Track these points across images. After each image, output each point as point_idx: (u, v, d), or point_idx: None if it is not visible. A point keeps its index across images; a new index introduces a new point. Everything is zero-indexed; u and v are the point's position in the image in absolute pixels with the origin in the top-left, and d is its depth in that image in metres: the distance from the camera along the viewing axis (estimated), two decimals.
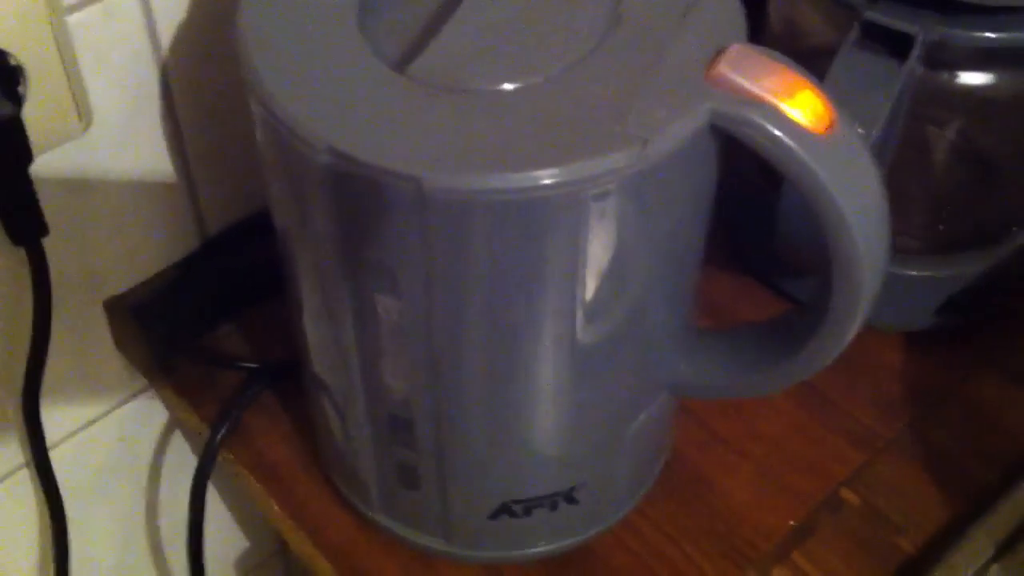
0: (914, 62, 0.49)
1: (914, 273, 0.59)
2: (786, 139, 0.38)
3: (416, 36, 0.41)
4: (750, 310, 0.61)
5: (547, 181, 0.36)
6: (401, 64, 0.39)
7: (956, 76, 0.53)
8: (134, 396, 0.64)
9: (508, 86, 0.39)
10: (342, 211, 0.39)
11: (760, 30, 0.59)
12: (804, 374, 0.46)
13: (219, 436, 0.58)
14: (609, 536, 0.54)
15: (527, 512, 0.50)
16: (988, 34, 0.50)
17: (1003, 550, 0.54)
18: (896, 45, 0.50)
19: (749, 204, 0.56)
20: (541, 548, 0.53)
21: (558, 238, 0.39)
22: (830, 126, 0.39)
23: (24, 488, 0.62)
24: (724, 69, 0.39)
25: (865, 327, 0.44)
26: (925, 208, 0.58)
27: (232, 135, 0.57)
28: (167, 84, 0.53)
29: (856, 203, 0.39)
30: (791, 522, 0.55)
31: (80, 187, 0.53)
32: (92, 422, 0.63)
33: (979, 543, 0.54)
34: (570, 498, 0.50)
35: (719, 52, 0.39)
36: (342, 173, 0.38)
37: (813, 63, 0.49)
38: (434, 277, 0.40)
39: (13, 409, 0.58)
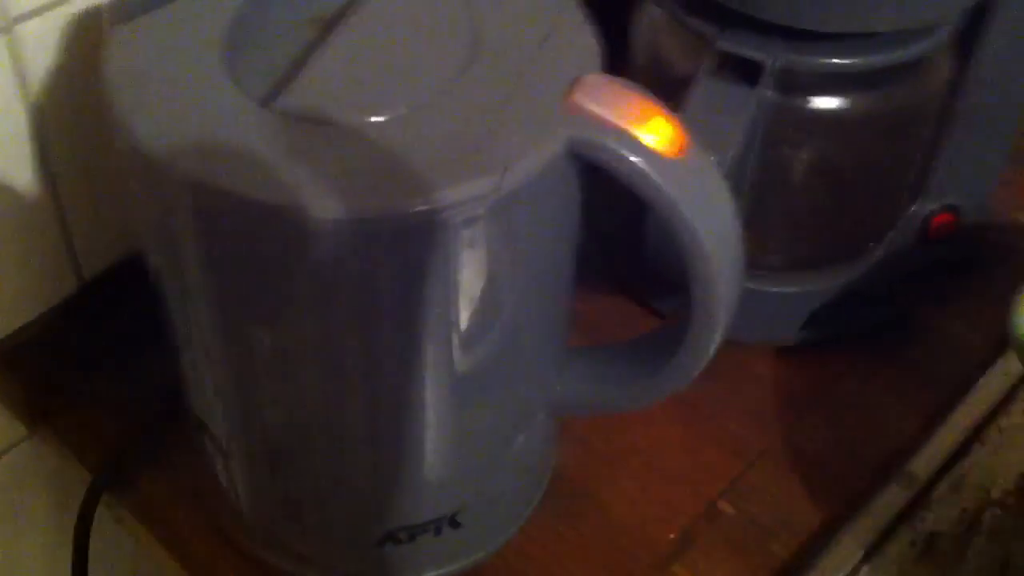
0: (765, 88, 0.52)
1: (777, 289, 0.61)
2: (639, 163, 0.40)
3: (282, 72, 0.42)
4: (624, 328, 0.63)
5: (412, 210, 0.38)
6: (267, 99, 0.40)
7: (807, 100, 0.55)
8: (14, 445, 0.63)
9: (373, 118, 0.40)
10: (210, 244, 0.40)
11: (623, 60, 0.61)
12: (672, 387, 0.48)
13: (102, 483, 0.57)
14: (497, 559, 0.55)
15: (411, 539, 0.50)
16: (834, 60, 0.53)
17: (872, 552, 0.57)
18: (748, 72, 0.52)
19: (620, 224, 0.57)
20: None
21: (426, 266, 0.40)
22: (682, 150, 0.41)
23: None
24: (580, 97, 0.40)
25: (734, 341, 0.46)
26: (785, 226, 0.61)
27: (106, 177, 0.57)
28: (38, 126, 0.53)
29: (708, 222, 0.41)
30: (671, 534, 0.56)
31: None
32: None
33: (849, 546, 0.57)
34: (454, 522, 0.51)
35: (575, 81, 0.41)
36: (208, 206, 0.38)
37: (675, 92, 0.51)
38: (305, 307, 0.41)
39: None
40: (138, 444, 0.59)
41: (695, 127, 0.42)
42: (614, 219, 0.57)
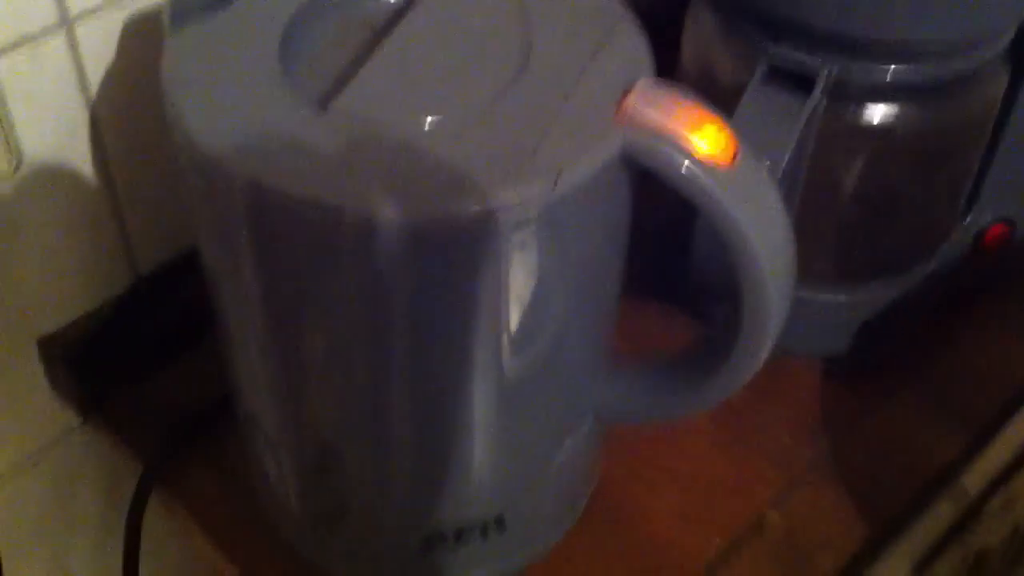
0: (818, 98, 0.52)
1: (828, 298, 0.61)
2: (692, 170, 0.40)
3: (337, 75, 0.42)
4: (669, 335, 0.63)
5: (463, 213, 0.38)
6: (323, 102, 0.41)
7: (859, 111, 0.55)
8: (69, 434, 0.64)
9: (426, 121, 0.40)
10: (266, 245, 0.41)
11: (674, 70, 0.61)
12: (721, 396, 0.47)
13: (153, 476, 0.58)
14: (541, 565, 0.55)
15: (457, 541, 0.50)
16: (888, 69, 0.53)
17: (921, 568, 0.56)
18: (800, 82, 0.52)
19: (667, 232, 0.57)
20: None
21: (478, 269, 0.40)
22: (734, 157, 0.41)
23: None
24: (633, 103, 0.40)
25: (783, 352, 0.45)
26: (836, 236, 0.60)
27: (162, 174, 0.58)
28: (97, 125, 0.54)
29: (760, 230, 0.41)
30: (716, 546, 0.56)
31: (10, 227, 0.54)
32: (27, 459, 0.63)
33: (898, 562, 0.56)
34: (500, 524, 0.51)
35: (629, 87, 0.41)
36: (264, 206, 0.39)
37: (725, 101, 0.51)
38: (358, 309, 0.41)
39: None
40: (190, 436, 0.59)
41: (746, 136, 0.42)
42: (660, 225, 0.57)
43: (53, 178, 0.54)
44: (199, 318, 0.50)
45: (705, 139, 0.40)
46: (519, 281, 0.41)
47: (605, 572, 0.55)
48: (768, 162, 0.50)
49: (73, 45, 0.51)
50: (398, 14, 0.45)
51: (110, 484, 0.69)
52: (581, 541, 0.56)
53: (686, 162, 0.40)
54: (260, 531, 0.56)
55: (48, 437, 0.63)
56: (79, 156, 0.54)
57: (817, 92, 0.51)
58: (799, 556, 0.56)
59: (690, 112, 0.41)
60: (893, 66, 0.53)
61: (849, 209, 0.59)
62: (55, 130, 0.53)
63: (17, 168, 0.51)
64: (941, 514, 0.58)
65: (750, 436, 0.61)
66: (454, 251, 0.40)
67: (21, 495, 0.64)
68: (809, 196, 0.56)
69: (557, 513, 0.55)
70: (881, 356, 0.63)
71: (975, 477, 0.59)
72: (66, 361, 0.59)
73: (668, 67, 0.46)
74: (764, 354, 0.45)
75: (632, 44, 0.44)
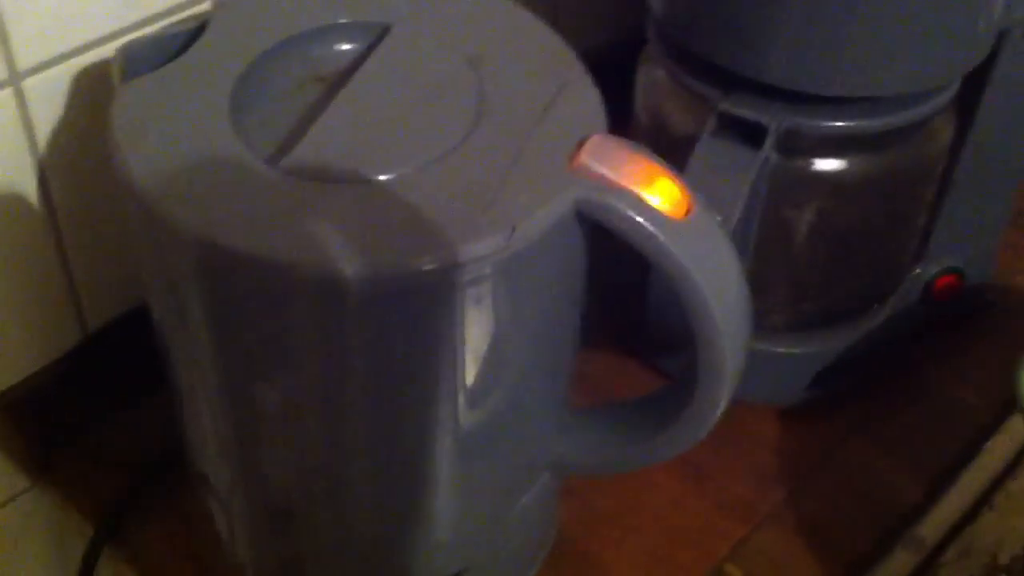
0: (768, 150, 0.52)
1: (781, 350, 0.61)
2: (646, 224, 0.40)
3: (288, 130, 0.42)
4: (629, 387, 0.63)
5: (419, 268, 0.38)
6: (274, 157, 0.41)
7: (809, 162, 0.56)
8: (16, 496, 0.63)
9: (379, 178, 0.40)
10: (215, 301, 0.40)
11: (627, 122, 0.61)
12: (677, 449, 0.47)
13: (103, 535, 0.57)
14: None
15: None
16: (836, 123, 0.54)
17: None
18: (750, 134, 0.53)
19: (624, 284, 0.58)
20: None
21: (434, 323, 0.40)
22: (687, 211, 0.41)
23: None
24: (585, 158, 0.41)
25: (737, 401, 0.46)
26: (789, 287, 0.61)
27: (111, 228, 0.57)
28: (44, 179, 0.53)
29: (715, 284, 0.41)
30: None
31: None
32: None
33: None
34: None
35: (580, 142, 0.41)
36: (215, 264, 0.38)
37: (677, 152, 0.51)
38: (312, 365, 0.41)
39: None
40: (139, 497, 0.58)
41: (698, 188, 0.42)
42: (615, 277, 0.57)
43: (0, 239, 0.53)
44: (149, 374, 0.49)
45: (658, 193, 0.41)
46: (475, 334, 0.41)
47: None
48: (720, 215, 0.50)
49: (21, 101, 0.50)
50: (351, 65, 0.45)
51: (58, 545, 0.67)
52: None
53: (639, 217, 0.40)
54: None
55: None
56: (26, 211, 0.54)
57: (767, 145, 0.52)
58: None
59: (643, 166, 0.41)
60: (842, 121, 0.53)
61: (801, 259, 0.59)
62: (2, 189, 0.52)
63: None
64: (899, 564, 0.58)
65: (707, 484, 0.60)
66: (410, 306, 0.39)
67: None
68: (761, 247, 0.57)
69: (517, 568, 0.54)
70: (836, 403, 0.64)
71: (932, 526, 0.59)
72: (13, 421, 0.58)
73: (620, 117, 0.46)
74: (720, 408, 0.45)
75: (585, 98, 0.44)
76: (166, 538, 0.57)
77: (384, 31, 0.46)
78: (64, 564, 0.68)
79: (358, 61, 0.45)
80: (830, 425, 0.63)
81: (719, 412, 0.45)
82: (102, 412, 0.61)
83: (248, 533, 0.50)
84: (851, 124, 0.54)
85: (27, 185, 0.53)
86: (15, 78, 0.50)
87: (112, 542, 0.57)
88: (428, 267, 0.38)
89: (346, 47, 0.45)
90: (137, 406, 0.62)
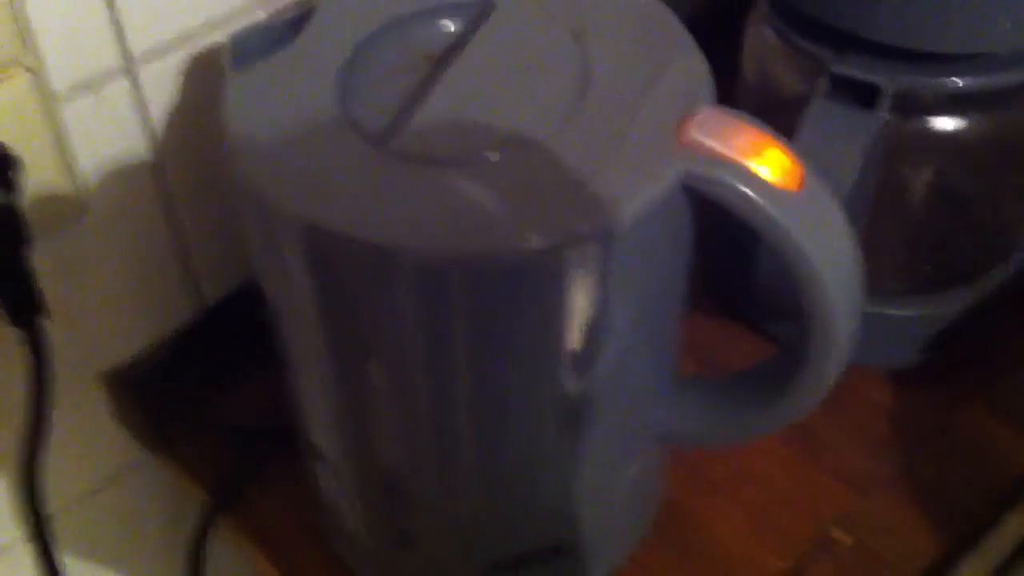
0: (883, 112, 0.51)
1: (897, 313, 0.60)
2: (756, 197, 0.39)
3: (395, 112, 0.42)
4: (736, 354, 0.62)
5: (525, 249, 0.38)
6: (382, 140, 0.41)
7: (926, 121, 0.54)
8: (134, 468, 0.65)
9: (486, 157, 0.40)
10: (326, 286, 0.41)
11: (733, 83, 0.60)
12: (787, 419, 0.47)
13: (217, 505, 0.58)
14: None
15: (518, 567, 0.50)
16: (953, 80, 0.52)
17: None
18: (864, 96, 0.51)
19: (730, 250, 0.57)
20: None
21: (542, 303, 0.40)
22: (799, 182, 0.40)
23: (23, 562, 0.62)
24: (694, 131, 0.40)
25: (850, 365, 0.45)
26: (906, 249, 0.59)
27: (225, 209, 0.58)
28: (161, 165, 0.54)
29: (827, 258, 0.41)
30: (784, 564, 0.55)
31: (75, 269, 0.54)
32: (92, 494, 0.63)
33: None
34: (562, 551, 0.51)
35: (688, 115, 0.41)
36: (324, 250, 0.39)
37: (786, 116, 0.50)
38: (420, 345, 0.41)
39: (10, 483, 0.58)
40: (253, 468, 0.60)
41: (810, 154, 0.41)
42: (723, 241, 0.57)
43: (118, 220, 0.54)
44: (263, 348, 0.50)
45: (769, 165, 0.40)
46: (582, 311, 0.41)
47: None
48: (834, 183, 0.49)
49: (136, 87, 0.51)
50: (456, 45, 0.45)
51: (174, 518, 0.69)
52: (644, 564, 0.55)
53: (750, 191, 0.39)
54: (328, 561, 0.56)
55: (112, 470, 0.64)
56: (144, 197, 0.55)
57: (882, 106, 0.50)
58: (870, 573, 0.55)
59: (753, 138, 0.40)
60: (958, 78, 0.52)
61: (916, 222, 0.58)
62: (120, 173, 0.53)
63: (82, 214, 0.51)
64: (1014, 531, 0.57)
65: (816, 452, 0.60)
66: (517, 286, 0.39)
67: (86, 528, 0.64)
68: (875, 211, 0.55)
69: (620, 537, 0.54)
70: (951, 368, 0.62)
71: None
72: (130, 395, 0.60)
73: (724, 81, 0.45)
74: (831, 379, 0.44)
75: (692, 68, 0.43)
76: (280, 509, 0.59)
77: (488, 8, 0.45)
78: (181, 536, 0.69)
79: (463, 40, 0.45)
80: (945, 390, 0.62)
81: (830, 383, 0.44)
82: (218, 385, 0.62)
83: (359, 503, 0.51)
84: (967, 82, 0.52)
85: (143, 172, 0.54)
86: (130, 64, 0.51)
87: (226, 513, 0.59)
88: (537, 248, 0.38)
89: (451, 27, 0.45)
90: (252, 378, 0.63)
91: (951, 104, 0.54)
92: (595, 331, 0.42)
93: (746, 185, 0.39)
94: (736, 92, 0.61)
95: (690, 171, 0.40)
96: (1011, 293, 0.62)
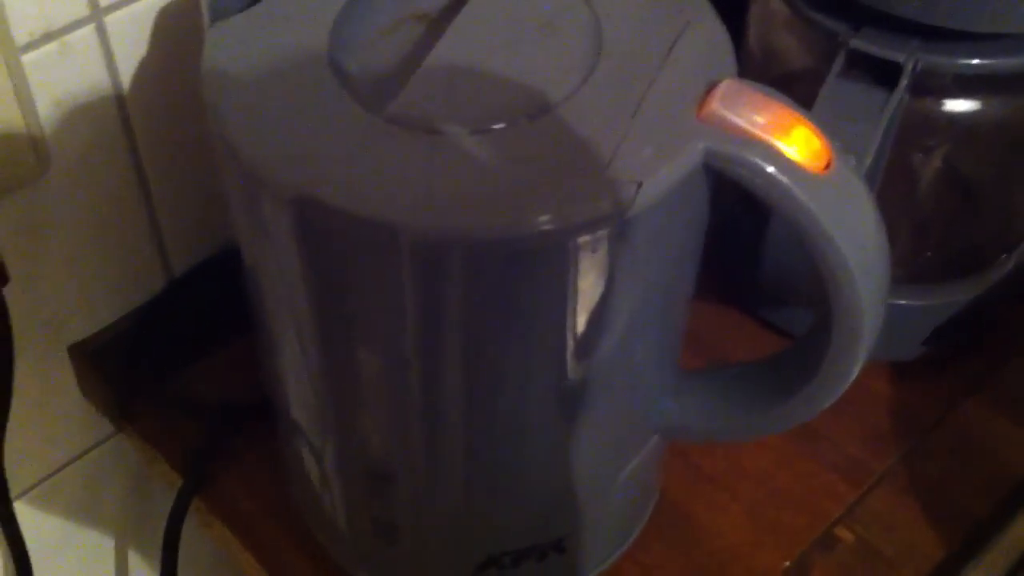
0: (902, 91, 0.48)
1: (902, 302, 0.58)
2: (783, 179, 0.36)
3: (391, 74, 0.39)
4: (736, 342, 0.60)
5: (533, 229, 0.35)
6: (379, 105, 0.37)
7: (941, 103, 0.52)
8: (100, 443, 0.63)
9: (490, 127, 0.37)
10: (315, 260, 0.38)
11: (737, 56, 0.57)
12: (800, 418, 0.44)
13: (193, 488, 0.56)
14: None
15: (514, 564, 0.48)
16: (974, 60, 0.49)
17: None
18: (883, 73, 0.49)
19: (733, 235, 0.54)
20: None
21: (544, 285, 0.37)
22: (827, 164, 0.38)
23: None
24: (716, 106, 0.37)
25: None
26: (913, 236, 0.57)
27: (197, 171, 0.55)
28: (128, 121, 0.52)
29: (856, 244, 0.38)
30: (785, 562, 0.53)
31: (38, 230, 0.51)
32: (58, 470, 0.61)
33: None
34: (559, 547, 0.48)
35: (710, 87, 0.38)
36: (316, 222, 0.36)
37: (795, 94, 0.47)
38: (414, 326, 0.38)
39: None
40: (225, 445, 0.57)
41: (827, 133, 0.38)
42: (725, 225, 0.54)
43: (83, 179, 0.52)
44: (232, 320, 0.47)
45: (796, 144, 0.37)
46: (589, 295, 0.38)
47: None
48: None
49: (103, 37, 0.48)
50: (452, 4, 0.41)
51: (141, 493, 0.67)
52: (640, 560, 0.53)
53: (776, 171, 0.36)
54: (303, 543, 0.54)
55: (79, 446, 0.62)
56: (110, 155, 0.52)
57: (903, 84, 0.48)
58: (873, 572, 0.53)
59: (780, 114, 0.37)
60: (980, 58, 0.49)
61: (928, 206, 0.56)
62: (85, 128, 0.50)
63: (45, 170, 0.48)
64: (1021, 527, 0.55)
65: (816, 444, 0.57)
66: (521, 268, 0.37)
67: (51, 504, 0.62)
68: (886, 193, 0.53)
69: (617, 533, 0.52)
70: (955, 359, 0.60)
71: None
72: (97, 368, 0.57)
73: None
74: (853, 375, 0.42)
75: (711, 36, 0.40)
76: (254, 486, 0.56)
77: None
78: (148, 511, 0.68)
79: None
80: (948, 382, 0.60)
81: (851, 379, 0.42)
82: (186, 358, 0.60)
83: (339, 491, 0.49)
84: (990, 62, 0.49)
85: (110, 127, 0.51)
86: (97, 12, 0.47)
87: (199, 491, 0.56)
88: (545, 228, 0.35)
89: None
90: (222, 352, 0.60)
91: (968, 85, 0.52)
92: (599, 317, 0.39)
93: (773, 165, 0.36)
94: (740, 66, 0.58)
95: (713, 149, 0.37)
96: (1016, 284, 0.60)
